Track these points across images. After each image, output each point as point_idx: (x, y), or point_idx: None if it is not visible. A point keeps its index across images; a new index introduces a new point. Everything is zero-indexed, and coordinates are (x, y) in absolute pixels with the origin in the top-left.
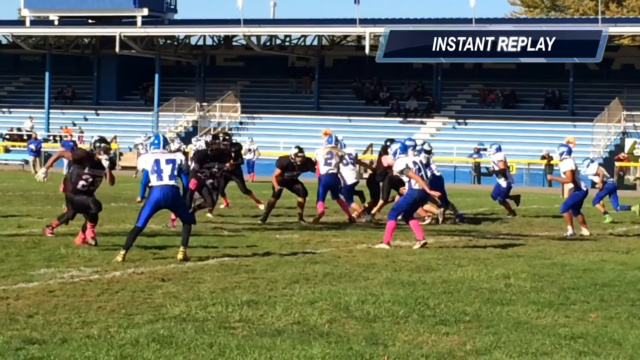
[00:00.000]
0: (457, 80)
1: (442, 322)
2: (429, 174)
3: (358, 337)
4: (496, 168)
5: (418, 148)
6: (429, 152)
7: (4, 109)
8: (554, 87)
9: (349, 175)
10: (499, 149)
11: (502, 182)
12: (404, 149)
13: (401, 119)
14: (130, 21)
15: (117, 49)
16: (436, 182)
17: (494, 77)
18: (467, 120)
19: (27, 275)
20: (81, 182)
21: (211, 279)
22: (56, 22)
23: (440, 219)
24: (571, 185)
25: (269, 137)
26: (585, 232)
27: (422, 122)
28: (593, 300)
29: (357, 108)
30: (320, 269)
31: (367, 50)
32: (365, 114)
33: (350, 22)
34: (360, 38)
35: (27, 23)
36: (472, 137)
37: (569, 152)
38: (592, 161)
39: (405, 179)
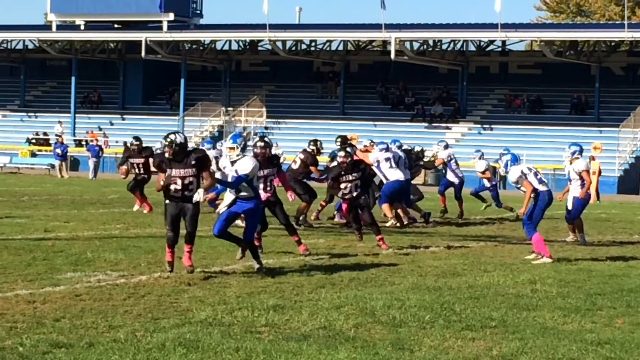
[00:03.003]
0: (482, 86)
1: (469, 328)
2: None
3: (384, 342)
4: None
5: (395, 147)
6: (408, 152)
7: (30, 114)
8: (580, 93)
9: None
10: (447, 146)
11: (452, 178)
12: (515, 159)
13: (426, 124)
14: (156, 26)
15: (143, 54)
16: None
17: (520, 82)
18: (492, 126)
19: (53, 279)
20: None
21: (237, 283)
22: (82, 27)
23: (406, 222)
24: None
25: (294, 142)
26: (570, 238)
27: (447, 128)
28: (620, 306)
29: (382, 113)
30: (346, 274)
31: (392, 55)
32: (391, 119)
33: (376, 27)
34: (385, 43)
35: (54, 28)
36: (498, 142)
37: (581, 151)
38: (482, 156)
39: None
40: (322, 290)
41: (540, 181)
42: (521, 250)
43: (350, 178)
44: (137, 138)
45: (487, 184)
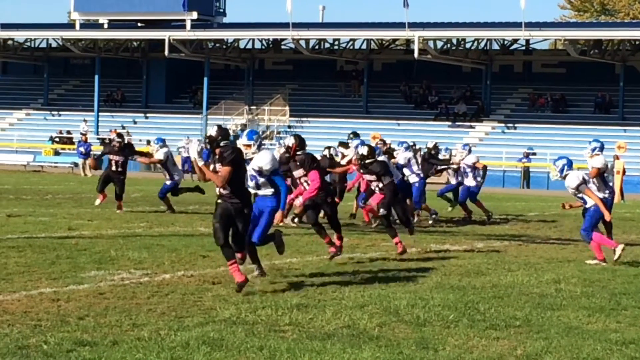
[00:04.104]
0: (506, 84)
1: (493, 327)
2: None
3: (408, 341)
4: (467, 170)
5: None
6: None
7: (53, 112)
8: (604, 92)
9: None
10: (470, 151)
11: (471, 182)
12: (571, 164)
13: (450, 123)
14: (180, 25)
15: (166, 53)
16: (407, 188)
17: (544, 81)
18: (516, 125)
19: (77, 277)
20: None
21: (261, 282)
22: (106, 26)
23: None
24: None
25: (317, 141)
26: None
27: (470, 127)
28: None
29: (405, 112)
30: (370, 273)
31: (416, 54)
32: (414, 118)
33: (399, 25)
34: (409, 42)
35: (77, 26)
36: (522, 141)
37: (601, 148)
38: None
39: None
40: (346, 289)
41: (599, 189)
42: (545, 249)
43: (370, 179)
44: (119, 135)
45: (453, 181)
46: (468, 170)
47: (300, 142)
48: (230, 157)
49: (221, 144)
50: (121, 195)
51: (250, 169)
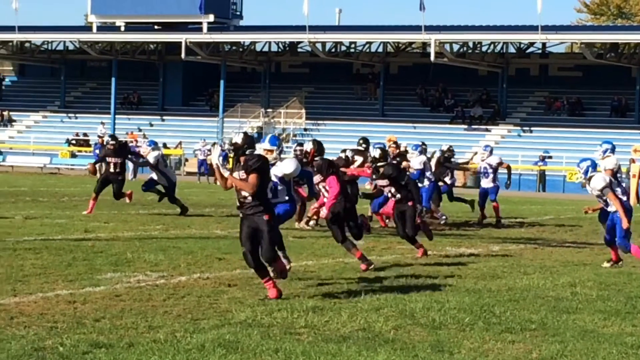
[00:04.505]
0: (522, 88)
1: (508, 330)
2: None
3: (423, 344)
4: (489, 170)
5: (419, 150)
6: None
7: (70, 114)
8: (620, 95)
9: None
10: (492, 152)
11: (489, 184)
12: (595, 167)
13: (466, 127)
14: (196, 27)
15: (182, 55)
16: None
17: (560, 84)
18: (532, 128)
19: (93, 279)
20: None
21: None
22: (122, 28)
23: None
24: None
25: (334, 144)
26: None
27: (486, 130)
28: None
29: (421, 115)
30: (385, 276)
31: (432, 57)
32: (430, 121)
33: (416, 28)
34: (425, 45)
35: (94, 29)
36: (538, 145)
37: (613, 149)
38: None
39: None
40: (362, 292)
41: (623, 192)
42: (561, 252)
43: (382, 184)
44: (113, 137)
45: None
46: (490, 170)
47: (319, 147)
48: (257, 165)
49: (247, 152)
50: (119, 193)
51: (272, 175)
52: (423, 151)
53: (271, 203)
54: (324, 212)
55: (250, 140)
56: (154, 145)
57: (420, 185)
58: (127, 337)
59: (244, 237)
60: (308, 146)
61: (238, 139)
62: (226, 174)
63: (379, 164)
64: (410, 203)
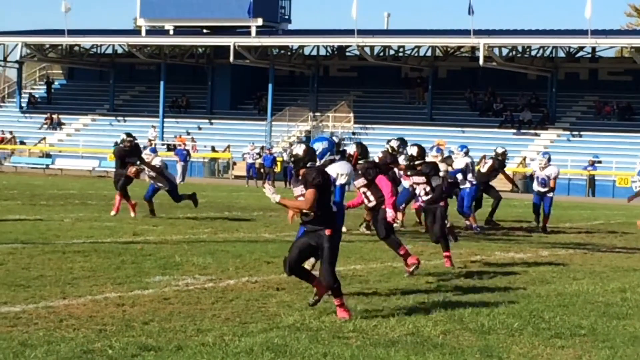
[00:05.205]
0: (572, 92)
1: (557, 336)
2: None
3: (472, 349)
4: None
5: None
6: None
7: (119, 118)
8: None
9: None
10: (550, 159)
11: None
12: None
13: (515, 131)
14: (245, 31)
15: (231, 59)
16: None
17: (610, 88)
18: (582, 133)
19: (142, 282)
20: None
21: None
22: (171, 32)
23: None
24: None
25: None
26: None
27: (536, 134)
28: None
29: (470, 119)
30: (434, 280)
31: (481, 61)
32: (479, 125)
33: (465, 32)
34: (474, 49)
35: (143, 33)
36: (587, 149)
37: None
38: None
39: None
40: (410, 296)
41: None
42: (611, 258)
43: (418, 180)
44: (129, 135)
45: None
46: (549, 181)
47: (363, 150)
48: (316, 181)
49: (308, 164)
50: (124, 189)
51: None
52: (468, 153)
53: (335, 217)
54: (390, 213)
55: (311, 153)
56: (154, 152)
57: (462, 187)
58: (176, 340)
59: (298, 245)
60: (351, 149)
61: (300, 150)
62: (277, 197)
63: (416, 162)
64: (442, 203)
